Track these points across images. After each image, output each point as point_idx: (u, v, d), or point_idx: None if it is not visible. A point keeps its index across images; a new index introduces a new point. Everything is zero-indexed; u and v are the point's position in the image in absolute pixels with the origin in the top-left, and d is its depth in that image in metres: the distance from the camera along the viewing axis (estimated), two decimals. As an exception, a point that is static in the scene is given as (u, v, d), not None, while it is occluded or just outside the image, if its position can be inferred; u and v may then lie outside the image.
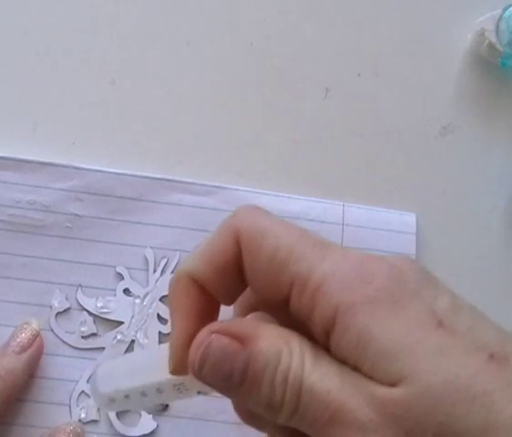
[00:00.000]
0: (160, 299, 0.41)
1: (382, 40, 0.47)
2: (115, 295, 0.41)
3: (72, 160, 0.42)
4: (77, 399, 0.40)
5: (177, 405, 0.40)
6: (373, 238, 0.43)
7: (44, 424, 0.39)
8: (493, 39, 0.45)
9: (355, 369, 0.21)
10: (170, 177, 0.43)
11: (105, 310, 0.41)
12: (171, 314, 0.25)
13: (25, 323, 0.39)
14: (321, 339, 0.22)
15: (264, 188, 0.44)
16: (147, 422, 0.39)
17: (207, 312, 0.25)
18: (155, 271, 0.41)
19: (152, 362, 0.26)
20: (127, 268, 0.41)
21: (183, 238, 0.42)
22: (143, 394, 0.26)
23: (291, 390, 0.21)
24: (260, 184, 0.44)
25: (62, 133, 0.44)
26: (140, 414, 0.40)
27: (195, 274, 0.24)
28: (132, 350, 0.40)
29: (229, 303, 0.26)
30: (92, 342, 0.40)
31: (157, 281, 0.41)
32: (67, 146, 0.43)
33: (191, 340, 0.23)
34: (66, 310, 0.41)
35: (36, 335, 0.39)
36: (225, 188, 0.43)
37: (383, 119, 0.46)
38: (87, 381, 0.40)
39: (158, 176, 0.43)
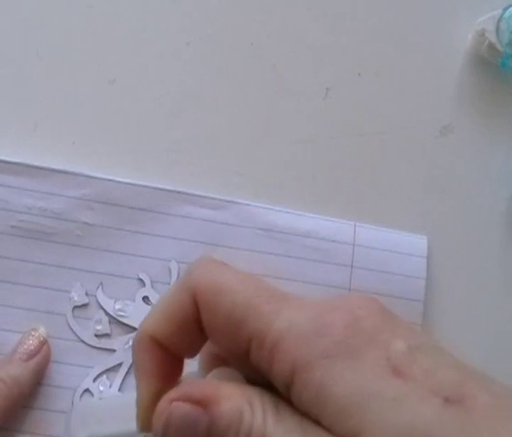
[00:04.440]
0: None
1: (382, 40, 0.47)
2: (134, 300, 0.41)
3: (72, 160, 0.42)
4: (81, 396, 0.40)
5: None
6: (383, 259, 0.43)
7: (48, 432, 0.39)
8: (493, 39, 0.45)
9: (317, 423, 0.21)
10: (181, 190, 0.43)
11: (122, 314, 0.41)
12: (135, 375, 0.25)
13: (33, 330, 0.39)
14: (282, 391, 0.22)
15: (268, 198, 0.44)
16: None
17: (171, 370, 0.25)
18: None
19: (126, 410, 0.26)
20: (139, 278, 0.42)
21: (192, 251, 0.42)
22: None
23: None
24: (260, 184, 0.44)
25: (62, 133, 0.44)
26: None
27: (156, 334, 0.24)
28: None
29: (192, 356, 0.26)
30: (104, 343, 0.41)
31: None
32: (67, 146, 0.43)
33: (156, 398, 0.23)
34: (83, 306, 0.41)
35: (44, 342, 0.39)
36: (236, 202, 0.43)
37: (383, 119, 0.46)
38: (93, 380, 0.40)
39: (170, 187, 0.43)
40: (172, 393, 0.23)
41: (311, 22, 0.47)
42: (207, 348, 0.26)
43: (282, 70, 0.46)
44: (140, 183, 0.42)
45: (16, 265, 0.41)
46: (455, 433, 0.19)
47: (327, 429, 0.20)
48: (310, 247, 0.43)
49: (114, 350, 0.40)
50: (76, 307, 0.41)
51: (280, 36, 0.47)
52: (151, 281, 0.41)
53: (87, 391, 0.40)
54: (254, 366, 0.23)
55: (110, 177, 0.42)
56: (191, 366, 0.26)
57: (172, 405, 0.22)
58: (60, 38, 0.45)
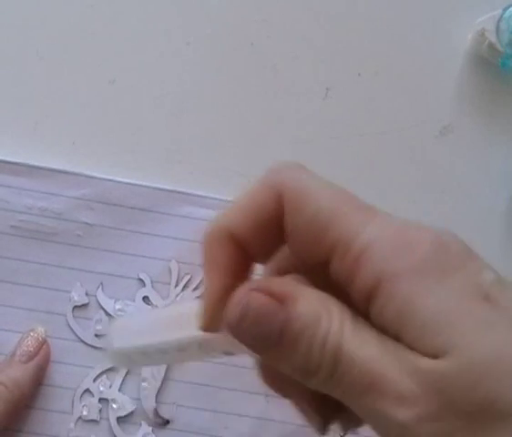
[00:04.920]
0: None
1: (382, 40, 0.47)
2: (134, 300, 0.41)
3: (72, 160, 0.42)
4: (81, 396, 0.40)
5: (179, 420, 0.40)
6: None
7: (49, 432, 0.39)
8: (493, 39, 0.45)
9: (397, 339, 0.20)
10: (181, 190, 0.43)
11: (122, 314, 0.41)
12: (205, 269, 0.24)
13: (32, 331, 0.39)
14: (361, 305, 0.21)
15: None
16: (147, 435, 0.40)
17: (241, 269, 0.24)
18: (176, 285, 0.41)
19: (173, 319, 0.24)
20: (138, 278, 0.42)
21: (193, 251, 0.42)
22: (163, 352, 0.24)
23: (329, 355, 0.20)
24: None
25: (62, 133, 0.44)
26: (140, 424, 0.40)
27: (232, 229, 0.23)
28: None
29: (264, 261, 0.25)
30: (105, 343, 0.41)
31: (177, 296, 0.41)
32: (67, 145, 0.43)
33: (226, 296, 0.22)
34: (83, 306, 0.41)
35: (43, 343, 0.39)
36: None
37: (383, 119, 0.46)
38: (94, 380, 0.40)
39: (170, 187, 0.43)
40: (252, 283, 0.22)
41: (311, 22, 0.47)
42: (276, 260, 0.25)
43: (282, 70, 0.46)
44: (140, 183, 0.42)
45: (16, 265, 0.41)
46: None
47: (409, 345, 0.20)
48: None
49: None
50: (76, 307, 0.41)
51: (280, 36, 0.47)
52: (151, 281, 0.41)
53: (87, 391, 0.40)
54: (333, 279, 0.22)
55: (110, 177, 0.42)
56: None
57: (252, 293, 0.21)
58: (60, 38, 0.45)
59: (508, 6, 0.45)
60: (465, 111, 0.47)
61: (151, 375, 0.40)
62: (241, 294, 0.22)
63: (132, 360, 0.25)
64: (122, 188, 0.42)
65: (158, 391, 0.40)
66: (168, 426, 0.40)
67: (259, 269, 0.25)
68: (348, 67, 0.47)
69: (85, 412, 0.40)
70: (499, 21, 0.45)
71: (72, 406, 0.40)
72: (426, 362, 0.19)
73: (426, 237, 0.21)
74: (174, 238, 0.42)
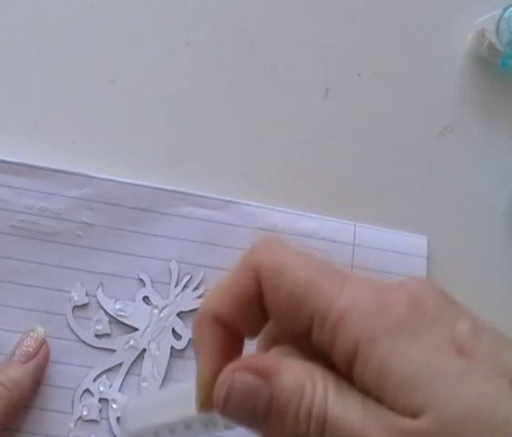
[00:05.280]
0: (178, 315, 0.41)
1: (382, 40, 0.47)
2: (134, 300, 0.41)
3: (72, 160, 0.42)
4: (81, 396, 0.40)
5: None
6: (383, 259, 0.43)
7: (48, 432, 0.39)
8: (493, 39, 0.45)
9: (378, 400, 0.21)
10: (181, 190, 0.43)
11: (122, 314, 0.41)
12: (196, 353, 0.25)
13: (31, 331, 0.39)
14: (343, 370, 0.22)
15: (270, 198, 0.44)
16: None
17: (231, 349, 0.25)
18: (176, 285, 0.41)
19: (180, 398, 0.26)
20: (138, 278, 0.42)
21: (192, 251, 0.42)
22: (172, 431, 0.26)
23: (316, 423, 0.21)
24: (260, 184, 0.44)
25: (62, 133, 0.44)
26: None
27: (218, 312, 0.25)
28: (143, 358, 0.40)
29: (252, 336, 0.26)
30: (105, 343, 0.41)
31: (177, 296, 0.41)
32: (67, 146, 0.43)
33: (217, 377, 0.23)
34: (83, 306, 0.41)
35: (42, 343, 0.39)
36: (236, 202, 0.43)
37: (383, 119, 0.46)
38: (94, 380, 0.40)
39: (170, 187, 0.43)
40: (233, 364, 0.23)
41: (311, 22, 0.47)
42: (266, 332, 0.26)
43: (282, 70, 0.46)
44: (140, 183, 0.42)
45: (16, 265, 0.41)
46: None
47: (389, 406, 0.20)
48: (310, 247, 0.43)
49: (114, 350, 0.40)
50: (76, 307, 0.41)
51: (280, 36, 0.47)
52: (151, 281, 0.41)
53: (87, 391, 0.40)
54: (315, 346, 0.23)
55: (110, 177, 0.42)
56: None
57: (235, 375, 0.22)
58: (60, 38, 0.45)
59: (508, 6, 0.45)
60: (466, 111, 0.47)
61: (151, 375, 0.40)
62: (225, 375, 0.23)
63: None
64: (122, 188, 0.42)
65: (158, 391, 0.40)
66: None
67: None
68: (348, 67, 0.47)
69: (85, 412, 0.39)
70: (499, 21, 0.45)
71: (72, 406, 0.40)
72: (405, 423, 0.20)
73: (400, 297, 0.22)
74: (174, 238, 0.42)
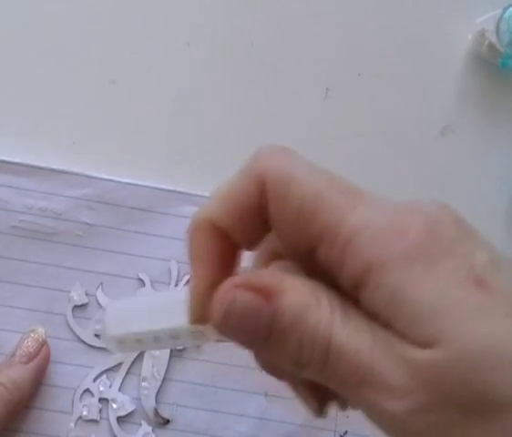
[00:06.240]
0: None
1: (382, 40, 0.47)
2: None
3: (72, 160, 0.42)
4: (81, 395, 0.40)
5: (179, 420, 0.40)
6: None
7: (48, 432, 0.39)
8: (493, 39, 0.45)
9: (387, 327, 0.19)
10: (181, 190, 0.43)
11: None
12: (191, 262, 0.24)
13: (32, 331, 0.39)
14: (349, 292, 0.21)
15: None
16: (147, 435, 0.40)
17: (228, 259, 0.23)
18: (176, 285, 0.41)
19: (167, 307, 0.25)
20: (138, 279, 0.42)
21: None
22: (156, 339, 0.24)
23: (320, 347, 0.20)
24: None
25: (62, 133, 0.44)
26: (140, 424, 0.40)
27: (216, 220, 0.23)
28: (143, 358, 0.40)
29: (252, 249, 0.24)
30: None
31: None
32: (67, 146, 0.43)
33: (213, 289, 0.22)
34: (83, 306, 0.41)
35: (43, 343, 0.39)
36: None
37: (383, 119, 0.46)
38: (93, 380, 0.40)
39: (170, 187, 0.43)
40: (236, 279, 0.21)
41: (311, 22, 0.47)
42: (265, 244, 0.24)
43: (282, 70, 0.46)
44: (140, 183, 0.42)
45: (17, 265, 0.41)
46: None
47: (399, 333, 0.19)
48: None
49: None
50: (75, 307, 0.41)
51: (280, 36, 0.47)
52: (151, 281, 0.41)
53: (86, 390, 0.40)
54: (319, 264, 0.21)
55: (110, 177, 0.42)
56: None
57: (236, 291, 0.21)
58: (60, 38, 0.45)
59: (508, 6, 0.45)
60: (466, 111, 0.47)
61: (151, 375, 0.40)
62: (226, 291, 0.21)
63: (126, 346, 0.25)
64: (122, 188, 0.42)
65: (158, 391, 0.40)
66: (168, 426, 0.40)
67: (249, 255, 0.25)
68: (348, 67, 0.47)
69: (85, 412, 0.40)
70: (499, 21, 0.45)
71: (72, 406, 0.40)
72: (417, 353, 0.19)
73: (417, 222, 0.20)
74: (174, 239, 0.42)
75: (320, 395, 0.24)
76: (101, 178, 0.42)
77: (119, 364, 0.40)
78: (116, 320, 0.25)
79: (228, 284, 0.21)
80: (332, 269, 0.21)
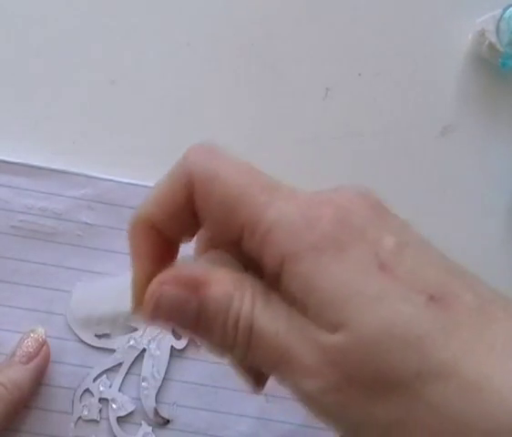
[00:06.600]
0: None
1: (382, 40, 0.47)
2: None
3: (72, 160, 0.42)
4: (81, 396, 0.40)
5: (179, 420, 0.40)
6: None
7: (48, 432, 0.39)
8: (493, 39, 0.45)
9: (303, 312, 0.21)
10: None
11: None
12: (131, 257, 0.26)
13: (32, 331, 0.39)
14: (272, 280, 0.22)
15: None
16: (147, 435, 0.40)
17: (166, 252, 0.25)
18: None
19: (123, 291, 0.26)
20: None
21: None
22: (113, 321, 0.27)
23: (242, 332, 0.22)
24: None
25: (62, 133, 0.44)
26: (140, 424, 0.40)
27: (150, 218, 0.25)
28: (143, 358, 0.40)
29: (187, 241, 0.26)
30: (105, 342, 0.40)
31: None
32: (67, 146, 0.43)
33: (150, 280, 0.24)
34: None
35: (43, 343, 0.39)
36: None
37: (383, 119, 0.46)
38: (93, 380, 0.40)
39: None
40: (162, 276, 0.23)
41: (311, 22, 0.47)
42: (203, 233, 0.26)
43: (282, 70, 0.46)
44: (140, 183, 0.42)
45: (17, 265, 0.41)
46: (435, 332, 0.19)
47: (312, 318, 0.21)
48: None
49: (114, 350, 0.40)
50: None
51: (280, 36, 0.47)
52: None
53: (87, 390, 0.40)
54: (246, 254, 0.23)
55: (110, 177, 0.42)
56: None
57: (162, 288, 0.23)
58: (60, 38, 0.45)
59: (508, 6, 0.45)
60: (466, 111, 0.47)
61: (151, 375, 0.40)
62: (154, 287, 0.23)
63: (89, 327, 0.28)
64: (122, 188, 0.42)
65: (158, 391, 0.40)
66: (168, 426, 0.40)
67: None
68: (348, 67, 0.47)
69: (85, 412, 0.40)
70: (499, 21, 0.45)
71: (72, 406, 0.40)
72: (326, 337, 0.20)
73: (327, 213, 0.22)
74: None
75: (256, 373, 0.26)
76: (101, 178, 0.42)
77: (119, 364, 0.40)
78: (80, 304, 0.28)
79: (156, 280, 0.23)
80: (255, 258, 0.23)
